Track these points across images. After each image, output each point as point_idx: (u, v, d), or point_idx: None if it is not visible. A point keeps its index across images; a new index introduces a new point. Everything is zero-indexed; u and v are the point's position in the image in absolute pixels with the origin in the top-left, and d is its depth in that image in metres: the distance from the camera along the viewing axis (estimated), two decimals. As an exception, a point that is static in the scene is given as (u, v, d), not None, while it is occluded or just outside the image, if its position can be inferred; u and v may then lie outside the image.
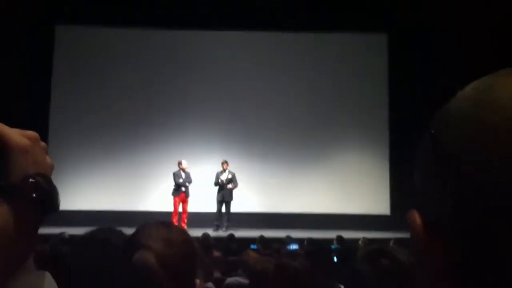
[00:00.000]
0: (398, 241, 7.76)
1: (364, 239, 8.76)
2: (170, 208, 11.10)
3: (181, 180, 11.10)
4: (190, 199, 11.24)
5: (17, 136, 0.58)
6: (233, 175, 11.42)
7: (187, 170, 11.23)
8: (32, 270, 0.60)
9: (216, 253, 6.70)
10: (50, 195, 0.59)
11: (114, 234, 1.65)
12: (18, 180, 0.57)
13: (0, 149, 0.57)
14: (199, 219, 10.98)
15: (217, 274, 5.16)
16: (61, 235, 7.51)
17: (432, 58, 11.85)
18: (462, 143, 0.42)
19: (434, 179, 0.44)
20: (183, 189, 11.11)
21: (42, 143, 0.62)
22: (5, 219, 0.55)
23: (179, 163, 11.22)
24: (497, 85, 0.43)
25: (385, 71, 13.49)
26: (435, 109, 0.48)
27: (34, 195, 0.57)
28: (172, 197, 11.17)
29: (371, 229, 11.04)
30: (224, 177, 11.33)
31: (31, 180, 0.57)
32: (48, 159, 0.63)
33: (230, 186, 11.30)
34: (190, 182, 11.19)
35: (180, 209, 11.12)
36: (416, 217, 0.47)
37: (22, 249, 0.58)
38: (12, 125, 0.59)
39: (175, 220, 10.57)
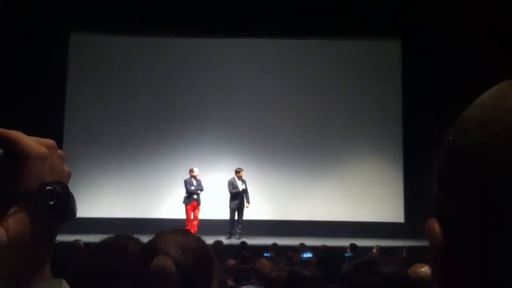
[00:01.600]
0: (412, 249, 7.73)
1: (378, 247, 8.72)
2: (183, 216, 11.09)
3: (193, 188, 11.10)
4: (201, 206, 11.23)
5: (34, 144, 0.58)
6: (245, 183, 11.40)
7: (198, 177, 11.24)
8: (49, 278, 0.60)
9: (229, 261, 6.68)
10: (67, 203, 0.59)
11: (133, 241, 1.68)
12: (35, 187, 0.57)
13: (18, 156, 0.57)
14: (210, 226, 10.94)
15: (229, 282, 5.14)
16: (74, 242, 7.56)
17: (447, 65, 11.75)
18: (477, 149, 0.42)
19: (450, 186, 0.44)
20: (195, 196, 11.11)
21: (60, 151, 0.62)
22: (21, 227, 0.56)
23: (191, 171, 11.22)
24: None
25: (399, 78, 13.43)
26: (449, 117, 0.48)
27: (51, 202, 0.57)
28: (183, 205, 11.15)
29: (385, 237, 10.98)
30: (240, 184, 11.30)
31: (48, 187, 0.57)
32: (65, 167, 0.63)
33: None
34: (201, 189, 11.18)
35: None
36: (435, 226, 0.46)
37: (39, 257, 0.59)
38: (27, 132, 0.60)
39: (188, 228, 10.55)
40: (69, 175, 0.64)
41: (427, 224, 0.47)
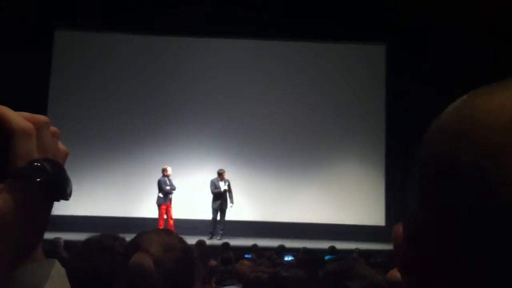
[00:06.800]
0: (391, 252, 7.75)
1: (358, 250, 8.76)
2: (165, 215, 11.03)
3: (168, 187, 11.04)
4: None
5: (19, 118, 0.55)
6: (229, 183, 11.38)
7: (170, 177, 11.14)
8: (41, 259, 0.57)
9: (211, 262, 6.67)
10: (58, 181, 0.56)
11: (118, 241, 1.66)
12: (23, 164, 0.54)
13: (3, 131, 0.54)
14: (189, 226, 10.85)
15: (212, 283, 5.13)
16: (55, 240, 7.49)
17: (431, 70, 11.87)
18: (440, 163, 0.43)
19: (416, 197, 0.45)
20: (170, 196, 11.05)
21: (53, 128, 0.59)
22: (5, 204, 0.53)
23: (164, 170, 11.06)
24: (475, 104, 0.43)
25: (383, 82, 13.52)
26: (432, 122, 0.49)
27: (39, 180, 0.54)
28: (157, 205, 11.03)
29: (366, 240, 11.05)
30: (222, 185, 11.28)
31: (36, 164, 0.54)
32: (61, 145, 0.60)
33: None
34: (174, 188, 11.12)
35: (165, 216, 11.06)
36: (399, 231, 0.47)
37: (29, 237, 0.56)
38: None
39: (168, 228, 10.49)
40: (65, 154, 0.61)
41: (394, 229, 0.48)
